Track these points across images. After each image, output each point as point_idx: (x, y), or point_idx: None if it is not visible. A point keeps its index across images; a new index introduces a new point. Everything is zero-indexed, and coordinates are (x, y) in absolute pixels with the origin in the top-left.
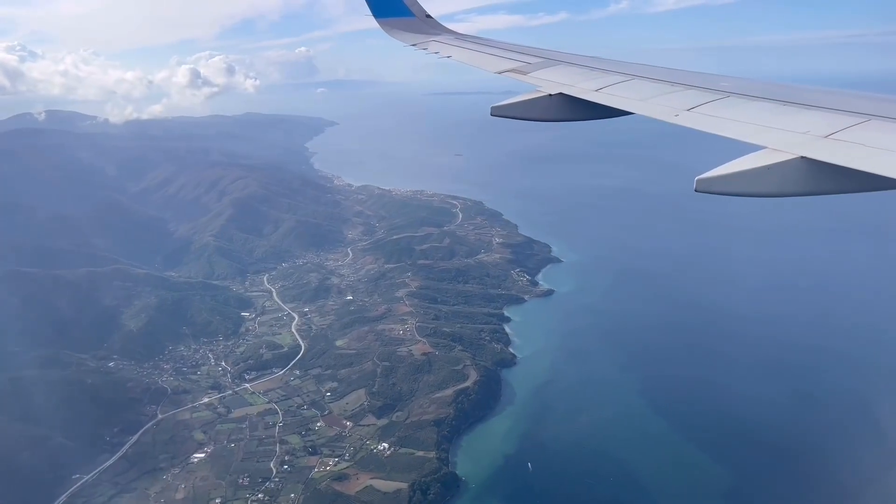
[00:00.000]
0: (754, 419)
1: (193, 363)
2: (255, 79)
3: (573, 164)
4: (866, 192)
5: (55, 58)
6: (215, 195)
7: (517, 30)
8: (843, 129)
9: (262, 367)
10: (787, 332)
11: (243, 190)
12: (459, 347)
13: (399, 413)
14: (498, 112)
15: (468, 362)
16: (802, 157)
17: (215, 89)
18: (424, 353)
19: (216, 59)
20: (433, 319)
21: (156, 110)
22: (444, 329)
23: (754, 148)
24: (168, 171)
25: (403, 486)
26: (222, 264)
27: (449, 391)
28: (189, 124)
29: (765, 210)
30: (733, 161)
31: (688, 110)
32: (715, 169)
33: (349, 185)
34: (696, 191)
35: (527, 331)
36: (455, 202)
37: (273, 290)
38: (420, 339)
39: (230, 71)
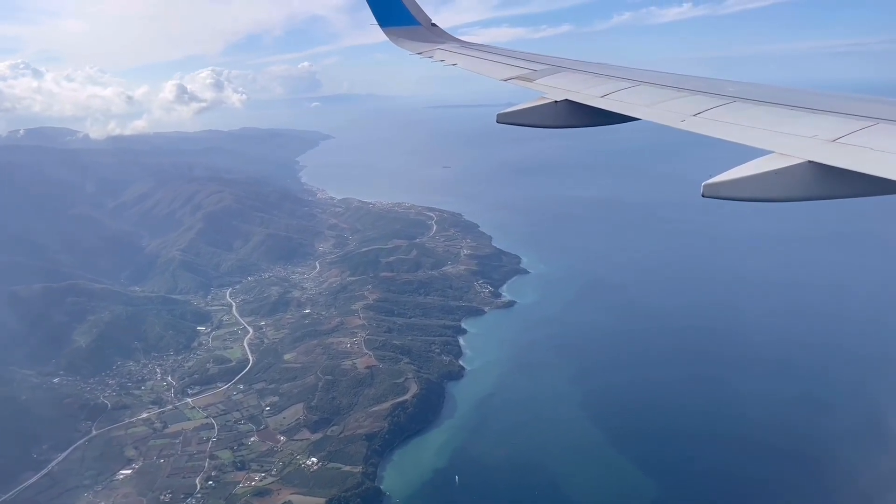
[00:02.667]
0: (697, 433)
1: (140, 378)
2: (243, 93)
3: (566, 174)
4: (873, 197)
5: (37, 74)
6: (189, 210)
7: (521, 42)
8: (851, 132)
9: (207, 381)
10: (748, 343)
11: (217, 204)
12: (406, 360)
13: (334, 427)
14: (504, 119)
15: (410, 375)
16: (810, 162)
17: (203, 104)
18: (368, 367)
19: (203, 73)
20: (385, 332)
21: (138, 126)
22: (394, 342)
23: (761, 153)
24: (146, 187)
25: (322, 501)
26: (186, 278)
27: (387, 405)
28: (178, 140)
29: (743, 218)
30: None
31: (694, 115)
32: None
33: (331, 198)
34: (703, 196)
35: (481, 343)
36: (432, 214)
37: (234, 303)
38: (367, 352)
39: (218, 86)
